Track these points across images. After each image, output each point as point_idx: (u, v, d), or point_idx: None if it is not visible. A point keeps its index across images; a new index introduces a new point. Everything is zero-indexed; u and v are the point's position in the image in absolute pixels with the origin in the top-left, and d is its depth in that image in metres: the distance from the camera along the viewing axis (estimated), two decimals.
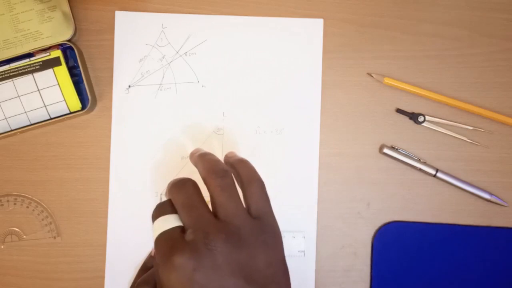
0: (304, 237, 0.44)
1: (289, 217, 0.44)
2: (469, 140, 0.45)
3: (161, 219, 0.29)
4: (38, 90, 0.42)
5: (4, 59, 0.43)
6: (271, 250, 0.29)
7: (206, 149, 0.44)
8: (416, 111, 0.45)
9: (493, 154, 0.45)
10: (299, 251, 0.44)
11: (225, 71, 0.45)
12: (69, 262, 0.44)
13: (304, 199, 0.45)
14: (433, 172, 0.44)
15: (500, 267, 0.44)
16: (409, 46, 0.45)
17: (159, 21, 0.45)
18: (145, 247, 0.44)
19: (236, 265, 0.27)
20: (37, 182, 0.45)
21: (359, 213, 0.45)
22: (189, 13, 0.45)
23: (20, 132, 0.43)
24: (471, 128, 0.45)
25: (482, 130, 0.45)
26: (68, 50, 0.44)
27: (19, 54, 0.43)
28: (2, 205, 0.44)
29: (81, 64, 0.43)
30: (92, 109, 0.44)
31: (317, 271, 0.44)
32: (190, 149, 0.45)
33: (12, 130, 0.43)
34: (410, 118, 0.45)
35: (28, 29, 0.43)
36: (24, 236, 0.44)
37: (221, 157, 0.44)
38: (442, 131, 0.45)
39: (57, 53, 0.42)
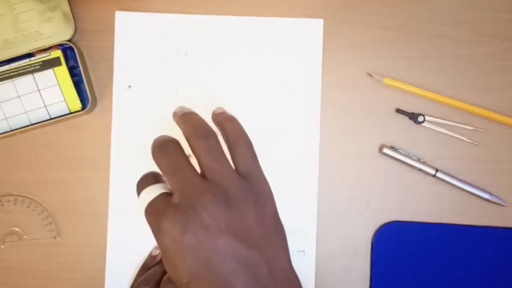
0: (304, 237, 0.44)
1: (289, 217, 0.44)
2: (469, 140, 0.45)
3: (146, 190, 0.29)
4: (38, 90, 0.42)
5: (4, 59, 0.43)
6: (260, 207, 0.28)
7: None
8: (416, 111, 0.45)
9: (493, 154, 0.45)
10: (298, 251, 0.44)
11: (225, 71, 0.45)
12: (69, 262, 0.44)
13: (304, 199, 0.45)
14: (433, 172, 0.44)
15: (500, 267, 0.44)
16: (409, 46, 0.45)
17: (159, 21, 0.45)
18: (145, 247, 0.44)
19: (225, 224, 0.27)
20: (37, 182, 0.45)
21: (359, 213, 0.45)
22: (189, 13, 0.45)
23: (20, 132, 0.43)
24: (471, 128, 0.45)
25: (482, 130, 0.45)
26: (68, 50, 0.44)
27: (19, 54, 0.43)
28: (2, 205, 0.45)
29: (81, 64, 0.43)
30: (92, 109, 0.44)
31: (316, 271, 0.45)
32: (190, 150, 0.45)
33: (12, 130, 0.43)
34: (410, 118, 0.45)
35: (28, 29, 0.43)
36: (24, 236, 0.45)
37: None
38: (442, 131, 0.45)
39: (57, 53, 0.42)
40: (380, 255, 0.44)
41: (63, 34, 0.43)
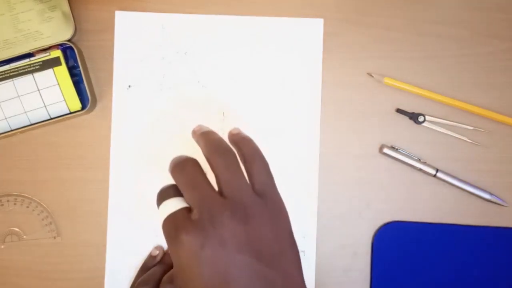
0: (304, 237, 0.44)
1: (289, 217, 0.44)
2: (469, 140, 0.45)
3: (166, 203, 0.29)
4: (38, 90, 0.42)
5: (4, 59, 0.43)
6: (277, 225, 0.29)
7: None
8: (416, 111, 0.45)
9: (493, 154, 0.45)
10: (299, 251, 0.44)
11: (225, 71, 0.45)
12: (69, 262, 0.44)
13: (304, 199, 0.45)
14: (433, 172, 0.44)
15: (500, 267, 0.44)
16: (409, 46, 0.45)
17: (159, 21, 0.45)
18: (145, 247, 0.44)
19: (243, 241, 0.27)
20: (37, 182, 0.45)
21: (359, 213, 0.45)
22: (189, 13, 0.45)
23: (20, 132, 0.43)
24: (471, 128, 0.45)
25: (482, 130, 0.45)
26: (68, 50, 0.44)
27: (19, 54, 0.43)
28: (2, 205, 0.44)
29: (81, 64, 0.43)
30: (92, 109, 0.44)
31: (317, 271, 0.45)
32: (190, 149, 0.45)
33: (12, 130, 0.43)
34: (410, 118, 0.45)
35: (28, 29, 0.43)
36: (24, 236, 0.44)
37: None
38: (442, 131, 0.45)
39: (57, 53, 0.42)
40: (380, 255, 0.44)
41: (63, 34, 0.43)
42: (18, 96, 0.42)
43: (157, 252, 0.43)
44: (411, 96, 0.45)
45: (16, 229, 0.44)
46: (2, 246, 0.44)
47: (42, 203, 0.44)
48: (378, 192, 0.45)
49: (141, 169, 0.45)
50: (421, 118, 0.45)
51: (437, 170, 0.44)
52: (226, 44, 0.45)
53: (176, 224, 0.28)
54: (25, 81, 0.42)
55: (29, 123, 0.43)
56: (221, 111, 0.45)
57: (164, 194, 0.30)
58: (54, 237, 0.44)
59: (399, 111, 0.45)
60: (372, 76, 0.45)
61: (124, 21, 0.45)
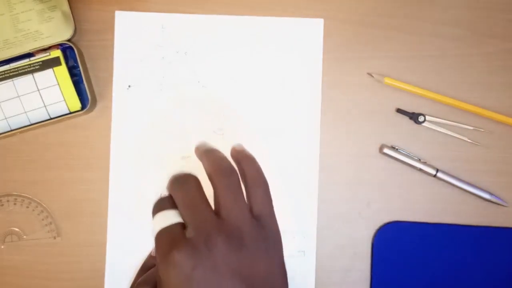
0: (304, 237, 0.44)
1: (289, 217, 0.44)
2: (469, 140, 0.45)
3: (162, 214, 0.29)
4: (38, 90, 0.42)
5: (4, 59, 0.43)
6: (271, 254, 0.29)
7: None
8: (416, 111, 0.45)
9: (493, 154, 0.45)
10: (299, 251, 0.44)
11: (225, 71, 0.45)
12: (69, 262, 0.44)
13: (304, 199, 0.45)
14: (433, 172, 0.44)
15: (500, 267, 0.44)
16: (409, 46, 0.45)
17: (159, 21, 0.45)
18: (145, 247, 0.44)
19: (235, 267, 0.27)
20: (37, 182, 0.45)
21: (359, 213, 0.45)
22: (189, 13, 0.45)
23: (20, 132, 0.43)
24: (471, 128, 0.45)
25: (482, 130, 0.45)
26: (68, 50, 0.44)
27: (19, 54, 0.43)
28: (2, 205, 0.44)
29: (81, 64, 0.43)
30: (92, 109, 0.44)
31: (317, 271, 0.44)
32: (190, 149, 0.45)
33: (12, 130, 0.42)
34: (410, 118, 0.45)
35: (28, 29, 0.43)
36: (24, 236, 0.44)
37: None
38: (442, 131, 0.45)
39: (57, 53, 0.42)
40: (380, 255, 0.44)
41: (63, 34, 0.43)
42: (18, 96, 0.42)
43: None
44: (411, 96, 0.45)
45: (16, 229, 0.44)
46: (2, 246, 0.44)
47: (42, 203, 0.44)
48: (378, 192, 0.45)
49: (141, 169, 0.45)
50: (421, 118, 0.45)
51: (437, 170, 0.44)
52: (226, 44, 0.45)
53: (170, 239, 0.28)
54: (25, 81, 0.42)
55: (29, 123, 0.43)
56: (221, 111, 0.45)
57: (161, 205, 0.30)
58: (54, 237, 0.44)
59: (399, 111, 0.45)
60: (372, 76, 0.45)
61: (124, 21, 0.45)
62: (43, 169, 0.45)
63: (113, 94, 0.45)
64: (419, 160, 0.44)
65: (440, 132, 0.45)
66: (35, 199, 0.44)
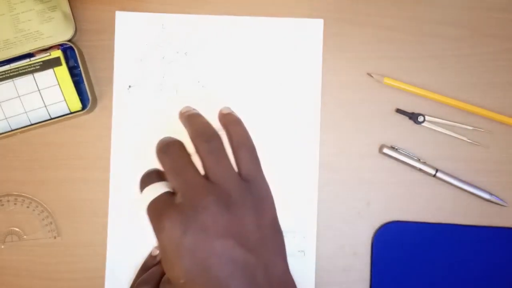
0: (304, 237, 0.44)
1: (289, 217, 0.44)
2: (469, 140, 0.45)
3: (149, 187, 0.29)
4: (39, 90, 0.42)
5: (5, 59, 0.43)
6: (260, 212, 0.29)
7: None
8: (416, 111, 0.45)
9: (493, 154, 0.45)
10: (299, 251, 0.44)
11: (225, 71, 0.45)
12: (69, 262, 0.44)
13: (304, 199, 0.45)
14: (433, 172, 0.44)
15: (500, 267, 0.44)
16: (409, 46, 0.45)
17: (159, 21, 0.45)
18: (145, 247, 0.44)
19: (225, 226, 0.27)
20: (37, 182, 0.45)
21: (359, 213, 0.45)
22: (189, 13, 0.45)
23: (20, 132, 0.43)
24: (471, 128, 0.45)
25: (482, 130, 0.45)
26: (68, 50, 0.44)
27: (19, 54, 0.43)
28: (2, 205, 0.44)
29: (82, 64, 0.43)
30: (92, 109, 0.44)
31: (317, 271, 0.44)
32: (190, 149, 0.45)
33: (12, 130, 0.43)
34: (410, 118, 0.45)
35: (28, 29, 0.43)
36: (24, 236, 0.44)
37: None
38: (442, 131, 0.45)
39: (58, 53, 0.43)
40: (380, 255, 0.44)
41: (63, 34, 0.43)
42: (18, 96, 0.42)
43: (157, 252, 0.43)
44: (411, 96, 0.45)
45: (16, 229, 0.45)
46: (2, 246, 0.44)
47: (42, 203, 0.45)
48: (378, 192, 0.45)
49: (141, 169, 0.45)
50: (421, 118, 0.45)
51: (437, 170, 0.44)
52: (226, 44, 0.45)
53: (159, 208, 0.28)
54: (26, 81, 0.42)
55: (29, 123, 0.43)
56: None
57: (147, 179, 0.30)
58: (54, 237, 0.44)
59: (399, 111, 0.45)
60: (372, 76, 0.45)
61: (124, 21, 0.45)
62: (43, 169, 0.45)
63: (113, 94, 0.45)
64: (419, 160, 0.44)
65: (440, 132, 0.45)
66: (35, 199, 0.45)
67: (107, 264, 0.44)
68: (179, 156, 0.30)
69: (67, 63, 0.43)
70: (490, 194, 0.44)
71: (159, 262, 0.43)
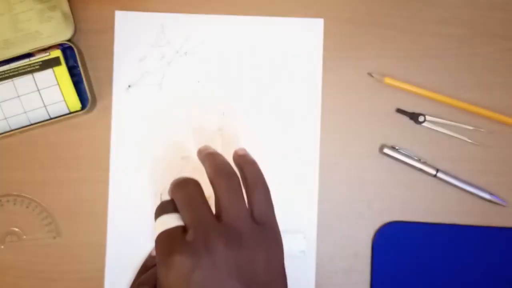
0: (304, 237, 0.44)
1: (289, 217, 0.44)
2: (469, 140, 0.45)
3: (163, 217, 0.29)
4: (38, 90, 0.42)
5: (4, 59, 0.43)
6: (271, 256, 0.29)
7: None
8: (416, 111, 0.45)
9: (493, 154, 0.45)
10: (299, 251, 0.44)
11: (225, 71, 0.45)
12: (69, 262, 0.44)
13: (304, 199, 0.45)
14: (434, 172, 0.44)
15: (500, 267, 0.44)
16: (409, 46, 0.45)
17: (159, 21, 0.45)
18: (145, 247, 0.44)
19: (234, 268, 0.27)
20: (37, 182, 0.44)
21: (359, 213, 0.45)
22: (189, 13, 0.45)
23: (20, 132, 0.43)
24: (471, 128, 0.45)
25: (482, 130, 0.45)
26: (68, 50, 0.43)
27: (19, 54, 0.43)
28: (2, 205, 0.44)
29: (81, 64, 0.43)
30: (92, 109, 0.44)
31: (317, 272, 0.44)
32: (190, 149, 0.45)
33: (12, 130, 0.42)
34: (411, 118, 0.45)
35: (28, 29, 0.43)
36: (24, 236, 0.44)
37: None
38: (443, 131, 0.45)
39: (57, 53, 0.42)
40: (380, 256, 0.44)
41: (62, 34, 0.43)
42: (18, 96, 0.42)
43: None
44: (411, 96, 0.45)
45: (16, 229, 0.44)
46: (2, 246, 0.44)
47: (42, 203, 0.44)
48: (378, 192, 0.45)
49: (141, 169, 0.45)
50: (421, 118, 0.45)
51: (437, 170, 0.44)
52: (226, 44, 0.45)
53: (170, 242, 0.28)
54: (25, 81, 0.42)
55: (29, 123, 0.43)
56: (221, 111, 0.45)
57: (163, 208, 0.30)
58: (54, 237, 0.44)
59: (399, 111, 0.45)
60: (372, 76, 0.45)
61: (124, 21, 0.45)
62: (43, 169, 0.44)
63: (113, 94, 0.45)
64: (419, 160, 0.44)
65: (440, 132, 0.45)
66: (35, 199, 0.44)
67: (107, 264, 0.44)
68: (194, 193, 0.30)
69: (66, 63, 0.43)
70: (491, 194, 0.44)
71: None
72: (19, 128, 0.42)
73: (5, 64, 0.42)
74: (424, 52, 0.45)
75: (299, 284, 0.44)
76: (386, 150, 0.44)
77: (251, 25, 0.45)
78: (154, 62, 0.45)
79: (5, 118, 0.42)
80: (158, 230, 0.29)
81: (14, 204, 0.44)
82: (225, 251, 0.27)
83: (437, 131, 0.45)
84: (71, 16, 0.44)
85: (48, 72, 0.42)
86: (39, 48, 0.43)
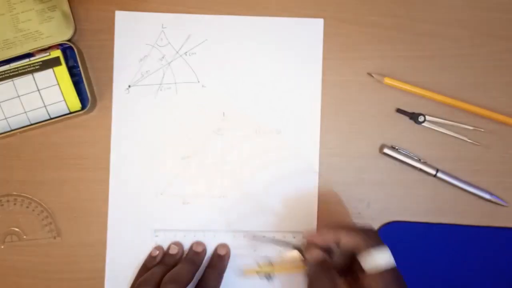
0: (304, 237, 0.44)
1: (289, 217, 0.44)
2: (469, 140, 0.45)
3: None
4: (38, 90, 0.42)
5: (4, 59, 0.43)
6: None
7: (206, 149, 0.44)
8: (416, 111, 0.45)
9: (493, 154, 0.45)
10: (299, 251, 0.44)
11: (225, 71, 0.45)
12: (69, 262, 0.44)
13: (304, 199, 0.45)
14: (433, 172, 0.44)
15: (500, 267, 0.44)
16: (409, 46, 0.45)
17: (159, 21, 0.45)
18: (145, 247, 0.44)
19: None
20: (37, 182, 0.45)
21: (359, 213, 0.45)
22: (189, 13, 0.45)
23: (20, 132, 0.43)
24: (471, 128, 0.45)
25: (482, 130, 0.45)
26: (68, 50, 0.44)
27: (19, 54, 0.43)
28: (2, 205, 0.44)
29: (81, 64, 0.43)
30: (92, 109, 0.44)
31: None
32: (190, 149, 0.45)
33: (12, 130, 0.43)
34: (410, 118, 0.45)
35: (28, 29, 0.43)
36: (24, 236, 0.44)
37: (220, 157, 0.44)
38: (443, 131, 0.45)
39: (57, 53, 0.42)
40: None
41: (63, 34, 0.43)
42: (18, 96, 0.42)
43: (157, 252, 0.43)
44: (411, 96, 0.45)
45: (16, 229, 0.44)
46: (2, 246, 0.44)
47: (42, 203, 0.44)
48: (378, 192, 0.45)
49: (141, 169, 0.45)
50: (421, 118, 0.45)
51: (437, 170, 0.44)
52: (226, 44, 0.45)
53: None
54: (25, 81, 0.42)
55: (29, 123, 0.43)
56: (221, 111, 0.45)
57: None
58: (54, 237, 0.44)
59: (399, 111, 0.45)
60: (372, 76, 0.45)
61: (124, 21, 0.45)
62: (43, 169, 0.45)
63: (113, 94, 0.45)
64: (419, 160, 0.44)
65: (440, 132, 0.45)
66: (35, 199, 0.44)
67: (107, 264, 0.44)
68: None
69: (66, 63, 0.43)
70: (491, 194, 0.44)
71: (159, 263, 0.43)
72: (19, 128, 0.43)
73: (5, 64, 0.42)
74: (424, 52, 0.45)
75: (299, 285, 0.44)
76: (386, 150, 0.44)
77: (251, 25, 0.45)
78: (154, 62, 0.45)
79: (5, 118, 0.42)
80: None
81: (14, 204, 0.44)
82: None
83: (437, 131, 0.45)
84: (71, 16, 0.44)
85: (48, 72, 0.42)
86: (39, 48, 0.43)
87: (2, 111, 0.42)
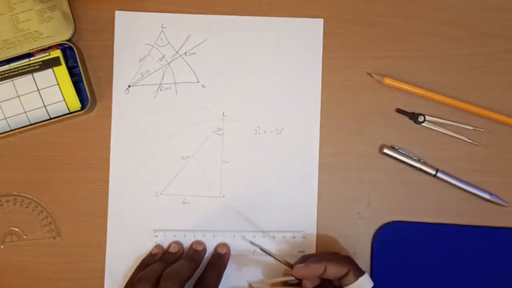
0: (304, 237, 0.44)
1: (289, 217, 0.44)
2: (469, 140, 0.45)
3: None
4: (38, 90, 0.42)
5: (4, 59, 0.43)
6: None
7: (206, 149, 0.44)
8: (416, 111, 0.45)
9: (493, 154, 0.45)
10: (298, 251, 0.44)
11: (225, 71, 0.45)
12: (69, 262, 0.44)
13: (304, 199, 0.45)
14: (433, 172, 0.44)
15: (500, 267, 0.44)
16: (409, 46, 0.45)
17: (159, 21, 0.45)
18: (144, 247, 0.44)
19: None
20: (37, 182, 0.44)
21: (359, 213, 0.45)
22: (189, 13, 0.45)
23: (20, 132, 0.43)
24: (471, 128, 0.45)
25: (482, 130, 0.45)
26: (67, 50, 0.43)
27: (19, 54, 0.43)
28: (2, 205, 0.44)
29: (81, 64, 0.43)
30: (92, 109, 0.44)
31: None
32: (190, 149, 0.45)
33: (12, 130, 0.42)
34: (410, 118, 0.45)
35: (28, 29, 0.43)
36: (24, 236, 0.44)
37: (220, 157, 0.44)
38: (442, 131, 0.45)
39: (57, 53, 0.42)
40: (380, 255, 0.44)
41: (62, 34, 0.43)
42: (18, 96, 0.42)
43: (157, 250, 0.43)
44: (411, 96, 0.45)
45: (16, 229, 0.44)
46: (2, 246, 0.44)
47: (42, 203, 0.44)
48: (378, 192, 0.45)
49: (141, 169, 0.45)
50: (421, 118, 0.45)
51: (437, 170, 0.44)
52: (226, 44, 0.45)
53: None
54: (25, 81, 0.42)
55: (28, 123, 0.43)
56: (221, 111, 0.45)
57: None
58: (54, 237, 0.44)
59: (399, 111, 0.45)
60: (372, 76, 0.45)
61: (124, 21, 0.45)
62: (43, 169, 0.45)
63: (113, 94, 0.45)
64: (419, 160, 0.44)
65: (440, 132, 0.45)
66: (35, 199, 0.44)
67: (107, 264, 0.44)
68: None
69: (66, 63, 0.43)
70: (491, 194, 0.44)
71: (159, 260, 0.43)
72: (19, 128, 0.43)
73: (5, 64, 0.42)
74: (424, 52, 0.45)
75: (299, 285, 0.44)
76: (386, 150, 0.44)
77: (251, 25, 0.45)
78: (154, 62, 0.45)
79: (5, 118, 0.42)
80: None
81: (14, 204, 0.44)
82: None
83: (437, 131, 0.45)
84: (71, 16, 0.44)
85: (48, 72, 0.42)
86: (39, 48, 0.43)
87: (2, 111, 0.42)
